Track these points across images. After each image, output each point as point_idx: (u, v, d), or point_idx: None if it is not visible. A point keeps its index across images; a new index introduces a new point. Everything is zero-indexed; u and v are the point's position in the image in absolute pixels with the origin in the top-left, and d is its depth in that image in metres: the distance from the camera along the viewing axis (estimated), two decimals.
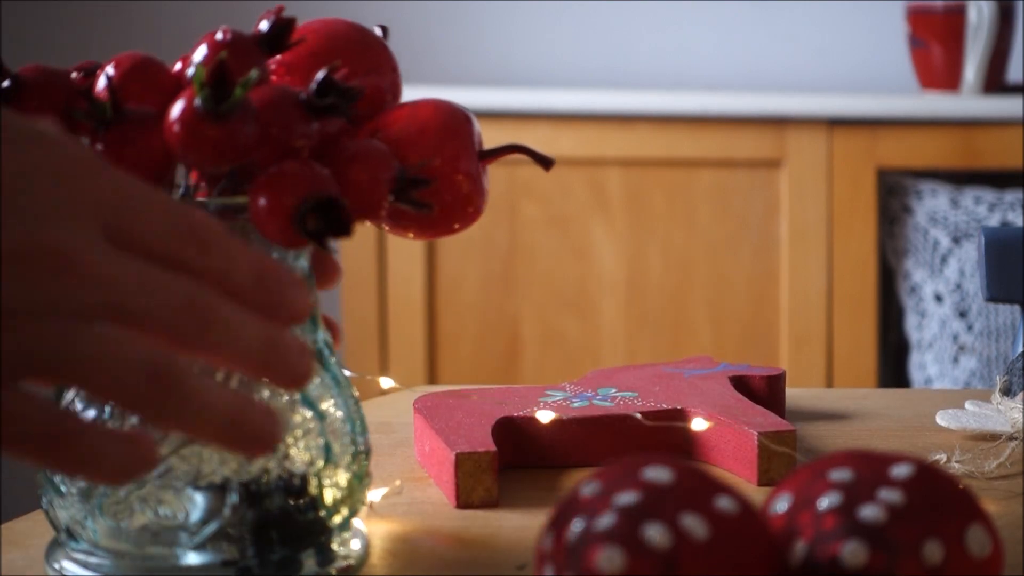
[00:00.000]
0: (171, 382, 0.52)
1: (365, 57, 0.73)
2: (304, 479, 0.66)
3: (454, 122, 0.72)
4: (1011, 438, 0.87)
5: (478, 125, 0.74)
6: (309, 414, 0.66)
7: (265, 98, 0.63)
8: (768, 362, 2.26)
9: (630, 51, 2.64)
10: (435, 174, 0.70)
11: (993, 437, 0.89)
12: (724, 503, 0.54)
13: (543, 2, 2.64)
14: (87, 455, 0.52)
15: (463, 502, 0.79)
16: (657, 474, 0.55)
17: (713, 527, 0.53)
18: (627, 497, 0.54)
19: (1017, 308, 2.07)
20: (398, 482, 0.82)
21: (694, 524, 0.53)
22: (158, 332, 0.52)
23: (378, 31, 0.74)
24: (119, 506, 0.64)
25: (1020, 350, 1.15)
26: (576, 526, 0.53)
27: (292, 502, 0.65)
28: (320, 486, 0.66)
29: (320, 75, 0.64)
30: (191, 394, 0.52)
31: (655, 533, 0.52)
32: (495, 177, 2.28)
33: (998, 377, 0.93)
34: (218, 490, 0.64)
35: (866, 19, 2.58)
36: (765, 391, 0.93)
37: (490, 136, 2.89)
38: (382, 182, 0.65)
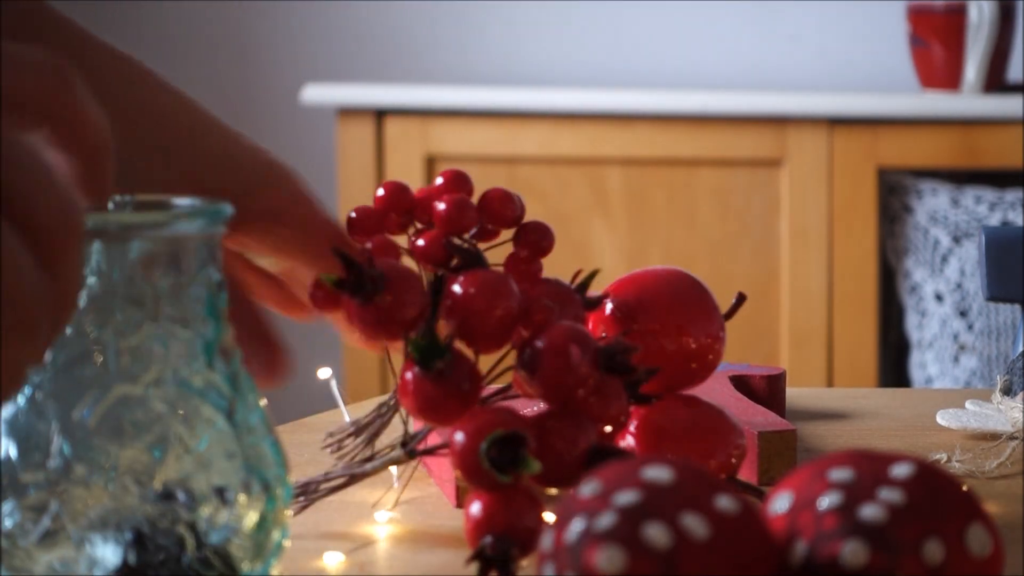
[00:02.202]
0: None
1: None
2: (185, 527, 0.61)
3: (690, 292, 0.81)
4: (1011, 438, 0.87)
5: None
6: (189, 459, 0.61)
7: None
8: (768, 362, 2.26)
9: (630, 51, 2.64)
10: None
11: (993, 437, 0.89)
12: (724, 503, 0.54)
13: (544, 1, 2.64)
14: None
15: (463, 502, 0.79)
16: (657, 474, 0.55)
17: (713, 527, 0.53)
18: (627, 497, 0.53)
19: (1017, 307, 2.07)
20: (395, 483, 0.82)
21: (694, 524, 0.53)
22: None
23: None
24: (17, 553, 0.62)
25: (1020, 349, 1.15)
26: (576, 526, 0.53)
27: (179, 552, 0.61)
28: (197, 535, 0.61)
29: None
30: None
31: (655, 533, 0.52)
32: (495, 174, 2.28)
33: (998, 376, 0.92)
34: (110, 537, 0.60)
35: (866, 19, 2.58)
36: (765, 391, 0.93)
37: (490, 135, 2.85)
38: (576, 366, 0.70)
